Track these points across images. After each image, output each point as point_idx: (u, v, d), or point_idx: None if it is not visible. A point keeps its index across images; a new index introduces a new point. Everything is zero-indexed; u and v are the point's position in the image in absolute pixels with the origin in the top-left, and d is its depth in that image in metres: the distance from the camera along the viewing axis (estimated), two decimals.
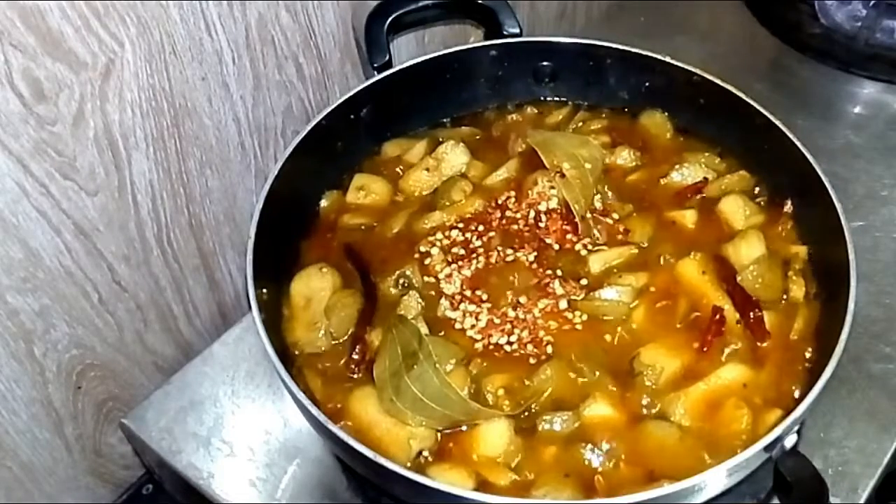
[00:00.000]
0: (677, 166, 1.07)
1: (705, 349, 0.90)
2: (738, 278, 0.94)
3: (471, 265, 0.98)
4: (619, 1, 1.55)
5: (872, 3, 1.34)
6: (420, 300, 0.94)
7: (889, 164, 1.25)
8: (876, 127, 1.31)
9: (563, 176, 1.03)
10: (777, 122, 1.01)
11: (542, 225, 1.02)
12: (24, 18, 0.77)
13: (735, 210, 1.02)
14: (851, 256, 0.88)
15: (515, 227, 1.02)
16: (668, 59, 1.09)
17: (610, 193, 1.05)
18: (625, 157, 1.10)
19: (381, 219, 1.05)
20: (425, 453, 0.84)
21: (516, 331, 0.92)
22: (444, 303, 0.95)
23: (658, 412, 0.87)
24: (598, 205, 1.04)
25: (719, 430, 0.85)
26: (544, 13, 1.47)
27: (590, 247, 1.00)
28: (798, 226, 1.01)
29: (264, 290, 0.91)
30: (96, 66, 0.86)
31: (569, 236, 1.01)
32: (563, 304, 0.94)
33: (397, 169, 1.10)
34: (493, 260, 0.98)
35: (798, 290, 0.95)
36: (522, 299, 0.94)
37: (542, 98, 1.18)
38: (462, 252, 0.99)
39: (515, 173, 1.08)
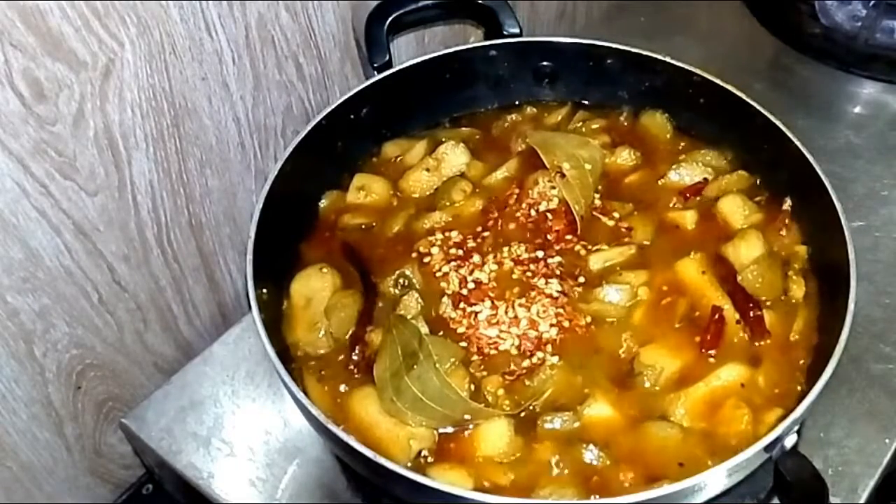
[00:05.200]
0: (676, 166, 1.07)
1: (705, 349, 0.90)
2: (739, 278, 0.94)
3: (470, 265, 0.98)
4: (619, 1, 1.55)
5: (872, 3, 1.34)
6: (420, 300, 0.94)
7: (889, 164, 1.25)
8: (876, 127, 1.31)
9: (563, 176, 1.03)
10: (777, 122, 1.01)
11: (541, 225, 1.02)
12: (24, 18, 0.77)
13: (734, 209, 1.02)
14: (851, 256, 0.88)
15: (515, 226, 1.02)
16: (668, 59, 1.09)
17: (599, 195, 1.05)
18: (625, 157, 1.10)
19: (381, 219, 1.05)
20: (425, 453, 0.84)
21: (516, 330, 0.92)
22: (444, 302, 0.95)
23: (658, 412, 0.87)
24: (598, 203, 1.04)
25: (719, 430, 0.85)
26: (544, 13, 1.47)
27: (589, 246, 1.00)
28: (798, 225, 1.01)
29: (264, 290, 0.91)
30: (96, 66, 0.86)
31: (568, 236, 1.01)
32: (562, 303, 0.94)
33: (397, 169, 1.10)
34: (492, 259, 0.98)
35: (798, 289, 0.95)
36: (522, 299, 0.94)
37: (542, 98, 1.18)
38: (461, 252, 0.99)
39: (515, 173, 1.08)
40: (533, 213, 1.03)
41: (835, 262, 0.90)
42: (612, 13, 1.55)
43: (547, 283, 0.96)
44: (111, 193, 0.94)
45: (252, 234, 0.91)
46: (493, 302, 0.94)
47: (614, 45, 1.11)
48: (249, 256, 0.90)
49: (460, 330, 0.93)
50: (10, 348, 0.91)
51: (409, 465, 0.83)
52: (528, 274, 0.97)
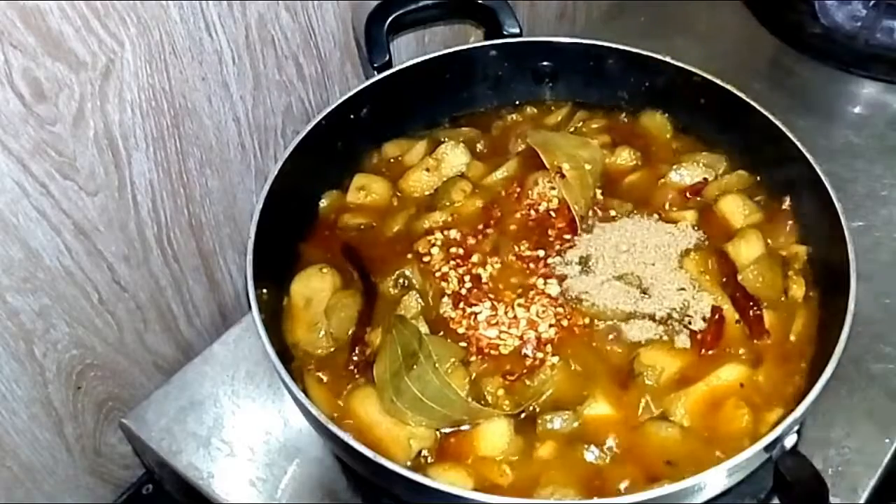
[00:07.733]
0: (676, 166, 1.07)
1: (704, 349, 0.90)
2: (739, 277, 0.94)
3: (470, 265, 0.98)
4: (619, 1, 1.55)
5: (872, 3, 1.34)
6: (420, 300, 0.94)
7: (889, 164, 1.25)
8: (876, 127, 1.31)
9: (563, 176, 1.03)
10: (777, 122, 1.01)
11: (541, 224, 1.02)
12: (24, 18, 0.77)
13: (734, 209, 1.02)
14: (851, 256, 0.88)
15: (515, 226, 1.02)
16: (668, 59, 1.09)
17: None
18: (625, 157, 1.10)
19: (381, 219, 1.05)
20: (425, 453, 0.84)
21: (515, 331, 0.92)
22: (444, 302, 0.95)
23: (659, 412, 0.87)
24: (599, 201, 1.04)
25: (720, 429, 0.85)
26: (544, 13, 1.47)
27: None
28: (798, 226, 1.01)
29: (264, 290, 0.91)
30: (96, 66, 0.86)
31: (568, 236, 1.01)
32: (561, 303, 0.94)
33: (397, 169, 1.10)
34: (492, 260, 0.98)
35: (798, 289, 0.95)
36: (522, 299, 0.94)
37: (542, 98, 1.18)
38: (461, 252, 1.00)
39: (515, 173, 1.08)
40: (533, 212, 1.03)
41: (835, 262, 0.90)
42: (613, 13, 1.55)
43: (546, 283, 0.96)
44: (111, 193, 0.94)
45: (252, 234, 0.91)
46: (492, 302, 0.94)
47: (614, 45, 1.11)
48: (249, 256, 0.90)
49: (460, 330, 0.93)
50: (10, 348, 0.91)
51: (409, 465, 0.83)
52: (529, 274, 0.97)
